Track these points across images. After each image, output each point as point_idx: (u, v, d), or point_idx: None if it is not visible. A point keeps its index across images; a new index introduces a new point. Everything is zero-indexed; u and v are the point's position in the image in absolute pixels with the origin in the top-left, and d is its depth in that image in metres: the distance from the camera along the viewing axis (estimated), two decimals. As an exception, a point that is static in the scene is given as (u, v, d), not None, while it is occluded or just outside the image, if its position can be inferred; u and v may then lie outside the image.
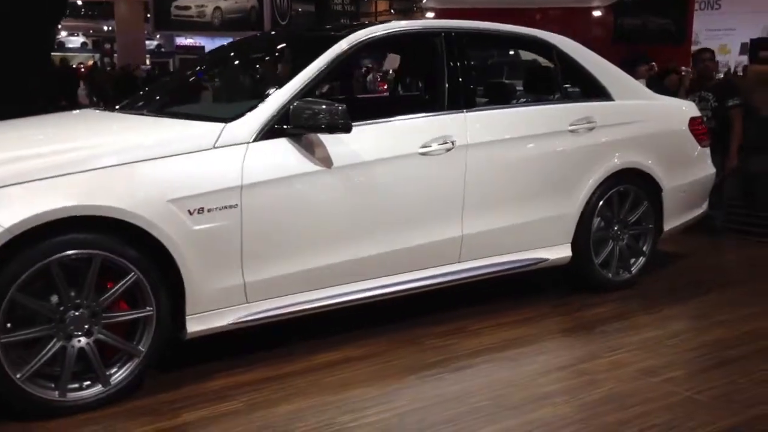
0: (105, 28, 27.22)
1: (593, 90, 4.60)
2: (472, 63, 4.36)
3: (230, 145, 3.23)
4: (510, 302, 4.34)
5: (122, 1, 17.25)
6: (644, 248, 4.71)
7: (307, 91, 3.48)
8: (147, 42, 22.11)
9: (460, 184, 3.86)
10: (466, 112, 3.96)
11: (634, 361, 3.49)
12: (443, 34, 4.04)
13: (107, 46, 19.90)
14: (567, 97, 4.54)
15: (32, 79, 6.64)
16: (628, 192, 4.56)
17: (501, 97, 4.40)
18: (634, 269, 4.68)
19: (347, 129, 3.35)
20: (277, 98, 3.40)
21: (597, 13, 19.81)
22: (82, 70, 14.63)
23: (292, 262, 3.39)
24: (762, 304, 4.36)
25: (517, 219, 4.12)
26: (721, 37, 19.80)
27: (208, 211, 3.12)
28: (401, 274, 3.78)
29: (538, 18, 18.41)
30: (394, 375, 3.33)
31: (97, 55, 21.61)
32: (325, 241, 3.47)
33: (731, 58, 19.28)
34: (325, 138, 3.42)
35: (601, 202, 4.44)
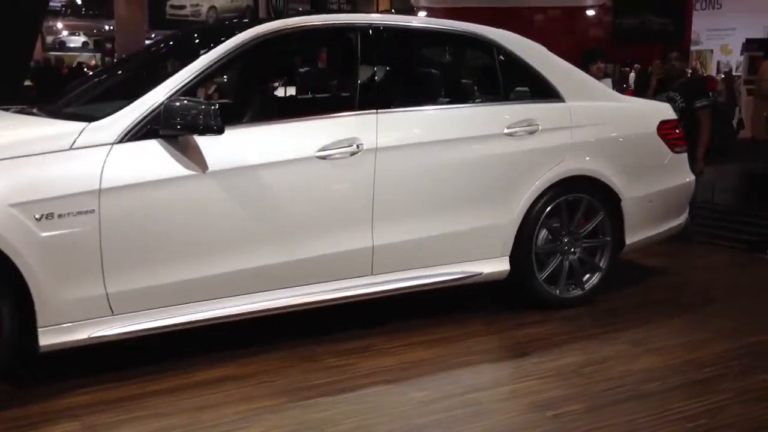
0: (106, 27, 27.17)
1: (540, 90, 4.23)
2: (394, 61, 4.05)
3: (89, 147, 3.04)
4: (440, 318, 4.01)
5: (121, 0, 17.25)
6: (601, 263, 4.31)
7: (187, 90, 3.25)
8: (148, 42, 22.41)
9: (369, 190, 3.57)
10: (379, 113, 3.66)
11: (537, 390, 3.13)
12: (359, 29, 3.76)
13: (108, 45, 20.10)
14: (506, 98, 4.19)
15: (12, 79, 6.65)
16: (578, 202, 4.17)
17: (427, 98, 4.07)
18: (587, 286, 4.29)
19: (218, 130, 3.12)
20: (150, 97, 3.18)
21: (591, 12, 19.09)
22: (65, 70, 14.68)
23: (165, 272, 3.17)
24: (711, 330, 3.91)
25: (441, 229, 3.80)
26: (722, 36, 19.12)
27: (59, 216, 2.93)
28: (305, 286, 3.51)
29: (535, 18, 17.86)
30: (265, 397, 3.07)
31: (98, 55, 21.89)
32: (203, 250, 3.24)
33: (732, 58, 18.46)
34: (204, 140, 3.19)
35: (545, 212, 4.07)
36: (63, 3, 27.77)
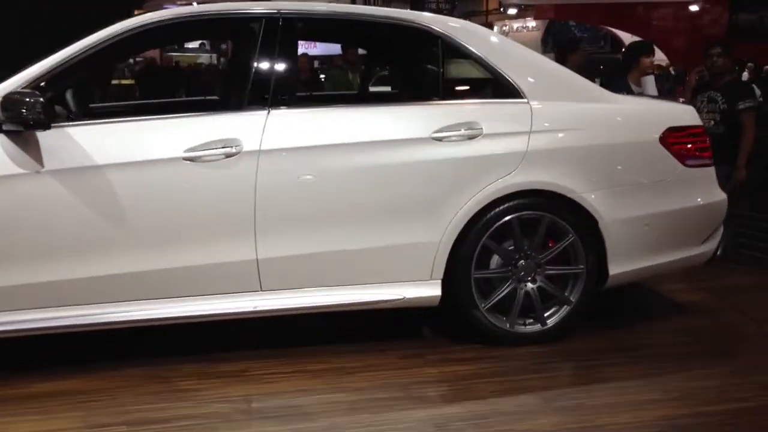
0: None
1: (495, 88, 3.61)
2: (301, 53, 3.62)
3: None
4: (358, 345, 3.55)
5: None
6: (570, 296, 3.60)
7: (51, 81, 3.08)
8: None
9: (249, 197, 3.20)
10: (272, 112, 3.28)
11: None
12: (263, 19, 3.39)
13: (224, 46, 20.61)
14: (446, 97, 3.62)
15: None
16: (538, 220, 3.51)
17: (340, 96, 3.61)
18: (550, 321, 3.60)
19: (41, 125, 2.92)
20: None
21: (693, 8, 16.51)
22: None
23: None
24: (660, 390, 3.10)
25: (349, 244, 3.34)
26: None
27: None
28: (183, 298, 3.23)
29: (642, 13, 15.78)
30: (62, 419, 2.81)
31: (214, 55, 22.51)
32: (45, 253, 3.06)
33: None
34: (47, 135, 3.01)
35: (488, 232, 3.46)
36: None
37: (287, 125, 3.29)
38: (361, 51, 4.40)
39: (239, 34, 3.41)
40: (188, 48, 20.53)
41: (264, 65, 3.35)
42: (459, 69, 3.77)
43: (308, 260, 3.32)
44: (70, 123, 3.12)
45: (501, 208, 3.47)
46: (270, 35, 3.36)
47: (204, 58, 21.17)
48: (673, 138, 3.69)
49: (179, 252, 3.18)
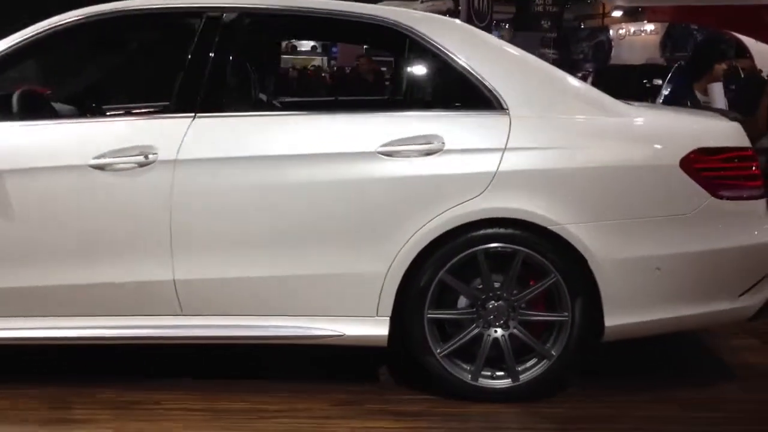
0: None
1: (471, 95, 3.04)
2: (244, 55, 3.17)
3: None
4: (296, 383, 3.15)
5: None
6: (552, 348, 2.98)
7: None
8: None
9: (164, 211, 2.88)
10: (198, 117, 2.93)
11: None
12: (204, 15, 3.04)
13: (334, 49, 19.82)
14: (409, 105, 3.09)
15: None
16: (511, 256, 2.92)
17: (281, 103, 3.17)
18: (524, 376, 3.00)
19: None
20: None
21: None
22: None
23: None
24: None
25: (279, 270, 2.93)
26: None
27: None
28: (99, 318, 2.99)
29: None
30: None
31: (324, 58, 21.78)
32: None
33: None
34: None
35: (448, 265, 2.92)
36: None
37: (211, 133, 2.93)
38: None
39: (185, 32, 3.08)
40: (300, 50, 20.60)
41: (196, 66, 3.00)
42: (431, 72, 3.22)
43: (232, 285, 2.95)
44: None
45: (463, 238, 2.91)
46: (209, 32, 3.01)
47: (318, 61, 21.13)
48: (701, 162, 2.93)
49: (94, 268, 2.92)
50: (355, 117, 3.05)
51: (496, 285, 2.97)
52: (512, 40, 12.76)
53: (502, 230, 2.91)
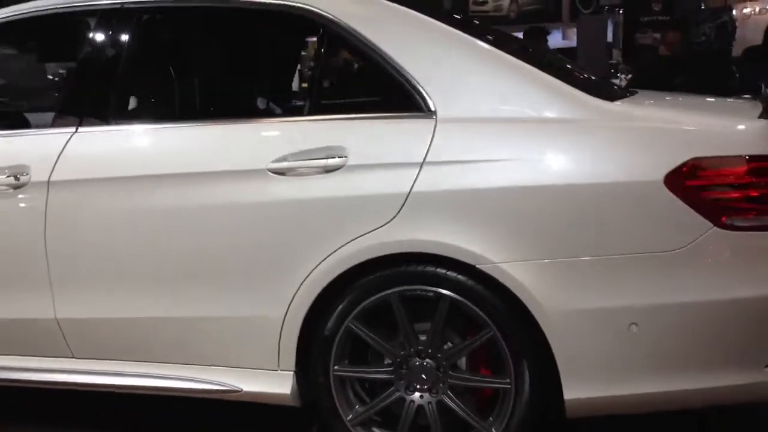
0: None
1: (390, 95, 2.42)
2: (133, 56, 2.68)
3: None
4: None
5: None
6: (494, 424, 2.28)
7: None
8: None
9: (39, 240, 2.53)
10: (80, 130, 2.56)
11: None
12: (96, 14, 2.65)
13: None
14: (311, 110, 2.49)
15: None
16: (434, 302, 2.27)
17: (170, 109, 2.67)
18: (456, 456, 2.32)
19: None
20: None
21: None
22: None
23: None
24: None
25: (157, 310, 2.49)
26: None
27: None
28: None
29: None
30: None
31: None
32: None
33: None
34: None
35: (356, 310, 2.33)
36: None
37: (89, 149, 2.54)
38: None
39: (72, 35, 2.72)
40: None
41: (83, 71, 2.64)
42: (340, 66, 2.61)
43: (115, 326, 2.54)
44: None
45: (371, 276, 2.30)
46: (106, 34, 2.63)
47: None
48: (700, 178, 2.12)
49: None
50: (244, 126, 2.52)
51: (423, 338, 2.32)
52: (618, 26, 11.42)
53: (419, 268, 2.26)
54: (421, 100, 2.30)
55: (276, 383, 2.42)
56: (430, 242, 2.22)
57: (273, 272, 2.35)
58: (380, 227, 2.25)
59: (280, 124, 2.50)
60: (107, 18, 2.61)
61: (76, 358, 2.61)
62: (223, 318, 2.43)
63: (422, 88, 2.31)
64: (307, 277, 2.32)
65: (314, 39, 2.47)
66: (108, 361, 2.59)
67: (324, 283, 2.31)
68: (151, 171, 2.44)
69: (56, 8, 2.69)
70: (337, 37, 2.43)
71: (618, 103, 2.35)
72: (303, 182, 2.32)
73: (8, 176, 2.53)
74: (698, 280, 2.12)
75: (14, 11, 2.71)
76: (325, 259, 2.30)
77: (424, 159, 2.24)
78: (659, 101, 2.72)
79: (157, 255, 2.45)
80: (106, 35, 2.61)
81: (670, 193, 2.10)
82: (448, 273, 2.23)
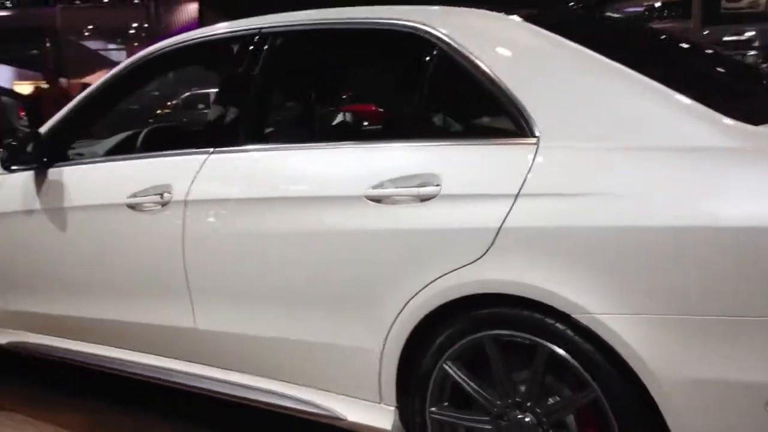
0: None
1: (491, 116, 2.19)
2: (272, 77, 2.64)
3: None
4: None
5: None
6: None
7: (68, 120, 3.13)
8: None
9: (178, 256, 2.69)
10: (213, 153, 2.66)
11: None
12: (247, 38, 2.70)
13: None
14: (414, 133, 2.30)
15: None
16: (530, 348, 2.04)
17: (300, 133, 2.59)
18: None
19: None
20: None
21: None
22: None
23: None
24: None
25: (282, 331, 2.51)
26: None
27: None
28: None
29: None
30: None
31: None
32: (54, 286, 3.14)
33: None
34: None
35: (450, 349, 2.16)
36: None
37: (221, 171, 2.63)
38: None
39: (226, 61, 2.81)
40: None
41: (219, 95, 2.73)
42: (441, 83, 2.35)
43: (241, 341, 2.63)
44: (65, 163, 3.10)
45: (466, 317, 2.11)
46: (249, 59, 2.68)
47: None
48: None
49: (127, 306, 2.88)
50: (348, 149, 2.42)
51: (522, 389, 2.08)
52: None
53: (513, 312, 2.02)
54: (524, 122, 2.04)
55: (378, 417, 2.33)
56: (518, 284, 1.97)
57: (370, 302, 2.26)
58: (469, 264, 2.04)
59: (380, 147, 2.36)
60: (238, 43, 2.68)
61: (209, 366, 2.73)
62: (329, 345, 2.39)
63: (526, 107, 2.04)
64: (401, 311, 2.19)
65: (421, 58, 2.29)
66: (237, 372, 2.67)
67: (416, 320, 2.17)
68: (264, 194, 2.46)
69: (202, 37, 2.83)
70: (448, 60, 2.24)
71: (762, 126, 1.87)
72: (397, 210, 2.18)
73: (155, 194, 2.70)
74: None
75: (176, 41, 2.90)
76: (416, 294, 2.15)
77: (519, 190, 1.98)
78: None
79: (273, 277, 2.47)
80: (238, 60, 2.68)
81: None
82: (546, 320, 1.96)
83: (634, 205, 1.84)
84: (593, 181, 1.92)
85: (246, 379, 2.64)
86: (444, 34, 2.24)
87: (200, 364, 2.76)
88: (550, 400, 2.03)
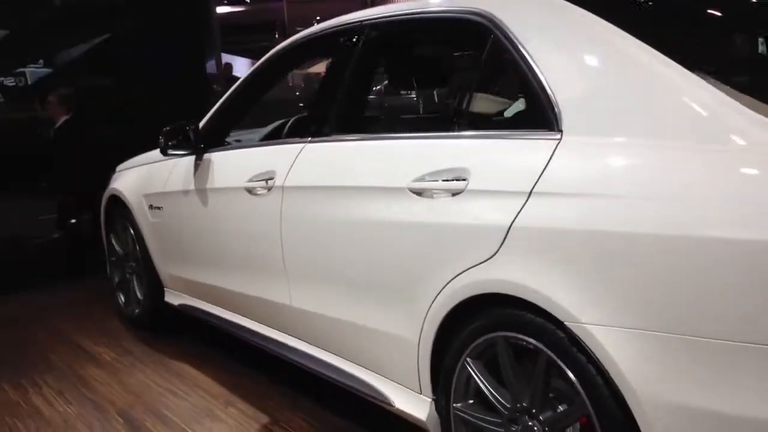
0: None
1: (527, 108, 2.12)
2: (364, 69, 2.70)
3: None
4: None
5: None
6: None
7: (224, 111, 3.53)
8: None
9: (277, 236, 2.94)
10: (309, 142, 2.86)
11: None
12: (355, 31, 2.82)
13: None
14: (460, 125, 2.27)
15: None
16: (534, 354, 1.99)
17: (380, 123, 2.62)
18: None
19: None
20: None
21: None
22: None
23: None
24: None
25: (346, 313, 2.66)
26: None
27: None
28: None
29: None
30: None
31: None
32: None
33: None
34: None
35: (470, 347, 2.17)
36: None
37: (312, 159, 2.81)
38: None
39: (341, 51, 2.96)
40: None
41: (334, 88, 2.89)
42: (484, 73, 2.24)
43: (325, 321, 2.80)
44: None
45: (484, 314, 2.10)
46: (354, 50, 2.82)
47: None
48: None
49: (251, 280, 3.19)
50: (389, 143, 2.47)
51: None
52: None
53: (516, 313, 1.97)
54: (552, 115, 1.96)
55: (417, 407, 2.38)
56: (517, 286, 1.91)
57: (409, 294, 2.31)
58: (483, 262, 2.02)
59: (429, 139, 2.37)
60: (341, 36, 2.85)
61: (296, 337, 2.96)
62: (382, 332, 2.47)
63: (557, 102, 1.96)
64: (431, 305, 2.22)
65: (480, 47, 2.26)
66: (313, 346, 2.87)
67: (441, 316, 2.18)
68: (333, 183, 2.61)
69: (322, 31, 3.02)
70: (501, 48, 2.20)
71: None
72: (432, 204, 2.21)
73: (261, 180, 2.97)
74: None
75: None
76: (443, 288, 2.17)
77: (532, 188, 1.92)
78: None
79: (339, 262, 2.61)
80: (335, 52, 2.85)
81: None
82: (546, 325, 1.89)
83: (642, 209, 1.69)
84: (604, 182, 1.80)
85: (324, 356, 2.81)
86: (501, 21, 2.18)
87: (294, 337, 2.98)
88: (552, 410, 1.94)
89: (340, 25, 2.88)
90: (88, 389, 3.49)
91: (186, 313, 3.83)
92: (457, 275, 2.10)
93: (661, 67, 1.83)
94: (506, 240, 1.95)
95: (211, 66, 6.89)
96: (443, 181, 2.17)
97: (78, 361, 3.86)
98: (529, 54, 2.07)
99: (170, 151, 3.49)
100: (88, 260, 5.63)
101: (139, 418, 3.13)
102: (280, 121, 3.79)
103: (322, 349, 2.83)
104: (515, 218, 1.93)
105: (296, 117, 3.78)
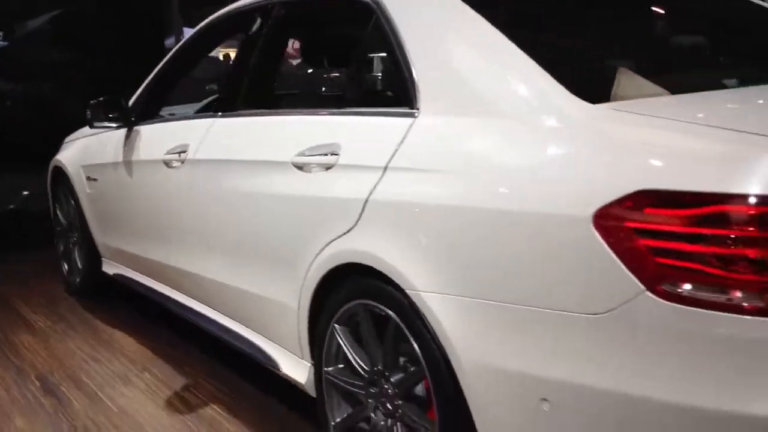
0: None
1: (394, 86, 2.25)
2: (272, 47, 2.82)
3: None
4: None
5: None
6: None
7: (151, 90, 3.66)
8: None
9: (186, 208, 3.05)
10: (220, 117, 2.98)
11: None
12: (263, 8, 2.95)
13: None
14: (347, 101, 2.39)
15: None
16: (387, 320, 2.10)
17: (277, 99, 2.73)
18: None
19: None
20: None
21: None
22: None
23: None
24: None
25: (241, 281, 2.76)
26: None
27: None
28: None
29: None
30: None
31: None
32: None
33: None
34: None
35: (336, 315, 2.28)
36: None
37: (220, 134, 2.92)
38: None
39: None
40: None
41: (237, 65, 3.00)
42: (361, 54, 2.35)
43: (214, 285, 2.95)
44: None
45: (348, 285, 2.22)
46: (267, 25, 2.92)
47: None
48: (643, 218, 1.50)
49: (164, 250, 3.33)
50: (289, 118, 2.59)
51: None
52: None
53: (370, 282, 2.09)
54: (412, 93, 2.07)
55: (298, 371, 2.50)
56: (364, 254, 2.03)
57: (288, 263, 2.42)
58: (344, 234, 2.14)
59: (313, 115, 2.48)
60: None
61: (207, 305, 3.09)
62: (267, 299, 2.59)
63: (417, 82, 2.07)
64: (306, 274, 2.32)
65: (363, 24, 2.37)
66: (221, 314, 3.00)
67: (314, 284, 2.29)
68: (232, 157, 2.73)
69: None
70: (380, 28, 2.30)
71: (605, 105, 1.73)
72: (309, 177, 2.32)
73: (176, 153, 3.08)
74: (616, 360, 1.51)
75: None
76: (314, 259, 2.28)
77: (388, 164, 2.03)
78: (687, 104, 1.83)
79: (232, 232, 2.73)
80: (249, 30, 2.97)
81: (599, 237, 1.52)
82: (394, 293, 2.00)
83: (467, 184, 1.80)
84: (442, 159, 1.91)
85: (228, 322, 2.94)
86: (383, 3, 2.27)
87: (205, 305, 3.11)
88: (402, 372, 2.06)
89: (254, 3, 2.98)
90: (15, 354, 3.60)
91: (121, 282, 3.95)
92: (326, 245, 2.21)
93: (509, 55, 1.94)
94: (363, 213, 2.06)
95: (170, 41, 6.97)
96: (319, 155, 2.28)
97: (13, 328, 3.97)
98: (401, 35, 2.17)
99: (96, 123, 3.60)
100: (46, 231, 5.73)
101: (56, 382, 3.25)
102: (215, 96, 3.90)
103: (228, 316, 2.95)
104: (371, 192, 2.04)
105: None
